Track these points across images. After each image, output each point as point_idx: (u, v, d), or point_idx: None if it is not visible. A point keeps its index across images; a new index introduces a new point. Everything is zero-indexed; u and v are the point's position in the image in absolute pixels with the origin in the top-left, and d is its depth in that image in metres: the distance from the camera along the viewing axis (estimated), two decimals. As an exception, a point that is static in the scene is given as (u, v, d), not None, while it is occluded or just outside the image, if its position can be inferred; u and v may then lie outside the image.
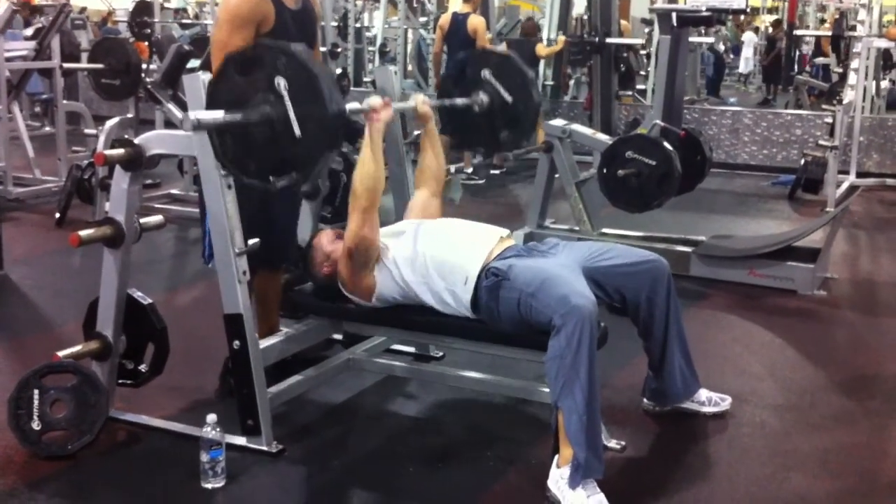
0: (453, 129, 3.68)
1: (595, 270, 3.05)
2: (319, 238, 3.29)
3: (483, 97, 3.55)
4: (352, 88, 9.83)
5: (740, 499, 2.83)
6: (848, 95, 7.96)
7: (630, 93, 10.64)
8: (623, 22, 12.05)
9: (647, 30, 13.46)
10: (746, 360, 4.02)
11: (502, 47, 9.39)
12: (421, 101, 3.40)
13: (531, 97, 3.56)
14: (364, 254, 3.05)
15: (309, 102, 2.51)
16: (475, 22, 8.02)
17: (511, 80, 3.54)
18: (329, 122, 2.52)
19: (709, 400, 3.33)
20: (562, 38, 9.47)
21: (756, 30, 20.60)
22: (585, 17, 9.53)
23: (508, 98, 3.52)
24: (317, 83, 2.51)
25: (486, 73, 3.54)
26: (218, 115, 2.55)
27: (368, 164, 3.00)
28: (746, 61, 18.78)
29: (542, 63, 10.12)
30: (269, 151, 2.58)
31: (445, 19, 8.27)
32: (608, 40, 8.34)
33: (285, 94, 2.51)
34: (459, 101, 3.55)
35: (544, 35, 10.67)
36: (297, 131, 2.51)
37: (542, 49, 9.15)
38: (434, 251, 3.05)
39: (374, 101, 3.07)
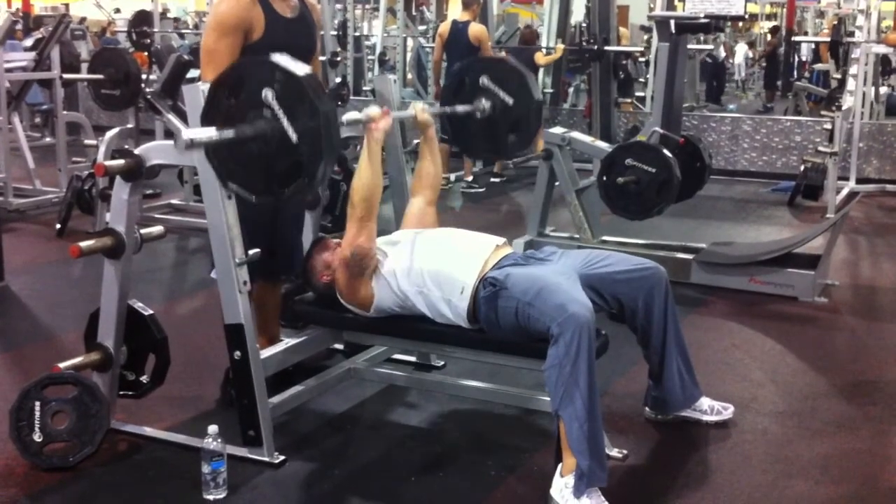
0: (459, 140, 3.68)
1: (592, 277, 3.05)
2: (319, 247, 3.29)
3: (484, 103, 3.54)
4: (351, 97, 9.86)
5: (742, 506, 2.83)
6: (847, 101, 7.96)
7: (629, 100, 10.64)
8: (622, 29, 12.09)
9: (645, 37, 13.50)
10: (747, 366, 4.02)
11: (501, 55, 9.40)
12: (420, 109, 3.40)
13: (532, 97, 3.55)
14: (360, 262, 3.06)
15: (299, 106, 2.50)
16: (477, 31, 8.03)
17: (510, 82, 3.54)
18: (322, 120, 2.50)
19: (711, 408, 3.33)
20: (560, 46, 9.49)
21: (751, 41, 20.71)
22: (584, 24, 9.54)
23: (509, 100, 3.52)
24: (302, 85, 2.50)
25: (484, 80, 3.54)
26: (210, 132, 2.53)
27: (366, 174, 3.00)
28: (739, 67, 18.89)
29: (541, 71, 10.13)
30: (272, 163, 2.57)
31: (445, 27, 8.28)
32: (607, 48, 8.35)
33: (274, 102, 2.50)
34: (460, 108, 3.54)
35: (543, 43, 10.70)
36: (293, 136, 2.50)
37: (540, 57, 9.17)
38: (430, 261, 3.05)
39: (373, 111, 3.07)
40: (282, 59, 2.55)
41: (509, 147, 3.65)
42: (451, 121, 3.59)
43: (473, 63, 3.92)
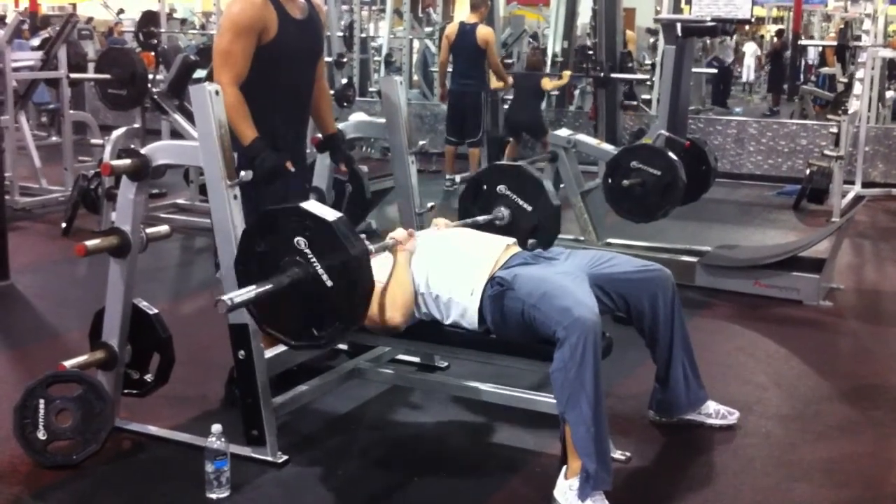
0: None
1: (599, 277, 3.06)
2: None
3: (504, 211, 3.58)
4: (357, 98, 9.87)
5: (745, 509, 2.83)
6: (853, 105, 7.95)
7: (635, 102, 10.63)
8: (629, 33, 12.07)
9: (651, 39, 13.49)
10: (751, 369, 4.01)
11: (508, 80, 9.36)
12: (444, 226, 3.39)
13: (549, 203, 3.57)
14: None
15: (332, 251, 2.53)
16: (485, 34, 8.04)
17: (527, 190, 3.57)
18: (356, 264, 2.53)
19: (716, 412, 3.33)
20: (567, 72, 9.53)
21: (760, 38, 20.67)
22: (589, 37, 9.49)
23: (528, 208, 3.56)
24: (333, 231, 2.53)
25: (501, 188, 3.58)
26: (250, 293, 2.54)
27: (398, 290, 2.96)
28: (748, 69, 18.85)
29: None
30: (307, 308, 2.60)
31: (452, 29, 8.28)
32: (613, 75, 8.37)
33: (307, 250, 2.54)
34: (481, 219, 3.56)
35: (549, 45, 10.70)
36: (328, 282, 2.53)
37: (547, 83, 9.21)
38: (440, 264, 3.05)
39: (399, 234, 3.06)
40: (312, 207, 2.60)
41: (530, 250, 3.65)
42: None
43: (490, 171, 3.93)
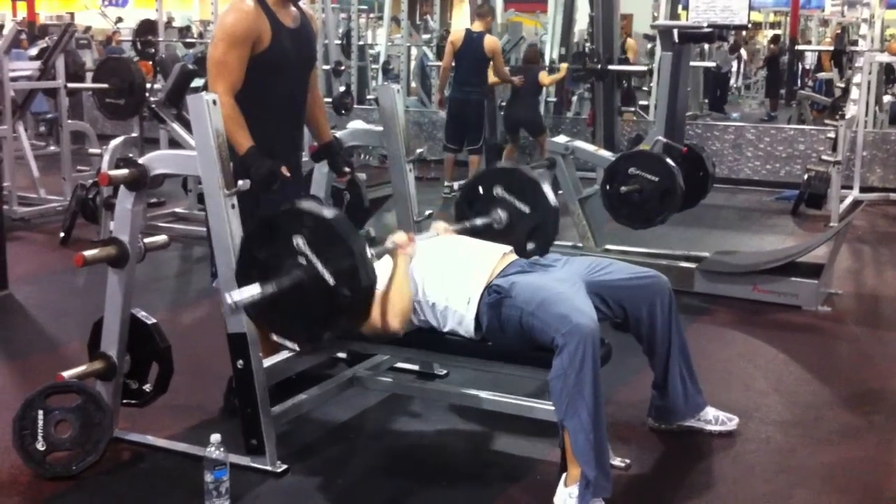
0: None
1: (596, 284, 3.05)
2: None
3: (501, 213, 3.55)
4: (355, 106, 9.88)
5: (746, 516, 2.83)
6: (850, 110, 7.96)
7: (632, 109, 10.65)
8: (630, 41, 12.08)
9: (649, 45, 13.51)
10: (751, 375, 4.01)
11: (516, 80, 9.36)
12: (443, 230, 3.38)
13: (548, 204, 3.54)
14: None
15: (331, 248, 2.53)
16: (492, 43, 8.12)
17: (524, 191, 3.54)
18: (358, 259, 2.53)
19: (715, 419, 3.32)
20: (564, 65, 9.52)
21: (745, 43, 20.71)
22: (587, 43, 9.49)
23: (525, 209, 3.53)
24: (332, 227, 2.54)
25: (498, 191, 3.55)
26: (253, 291, 2.55)
27: (397, 295, 2.93)
28: (739, 74, 18.89)
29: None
30: (311, 309, 2.59)
31: (458, 35, 8.30)
32: (611, 67, 8.37)
33: (307, 249, 2.54)
34: (479, 221, 3.53)
35: (546, 51, 10.71)
36: (329, 280, 2.53)
37: (545, 77, 9.23)
38: (437, 272, 3.04)
39: (399, 237, 3.06)
40: (309, 205, 2.60)
41: (529, 255, 3.65)
42: (470, 233, 3.54)
43: (486, 174, 3.90)
